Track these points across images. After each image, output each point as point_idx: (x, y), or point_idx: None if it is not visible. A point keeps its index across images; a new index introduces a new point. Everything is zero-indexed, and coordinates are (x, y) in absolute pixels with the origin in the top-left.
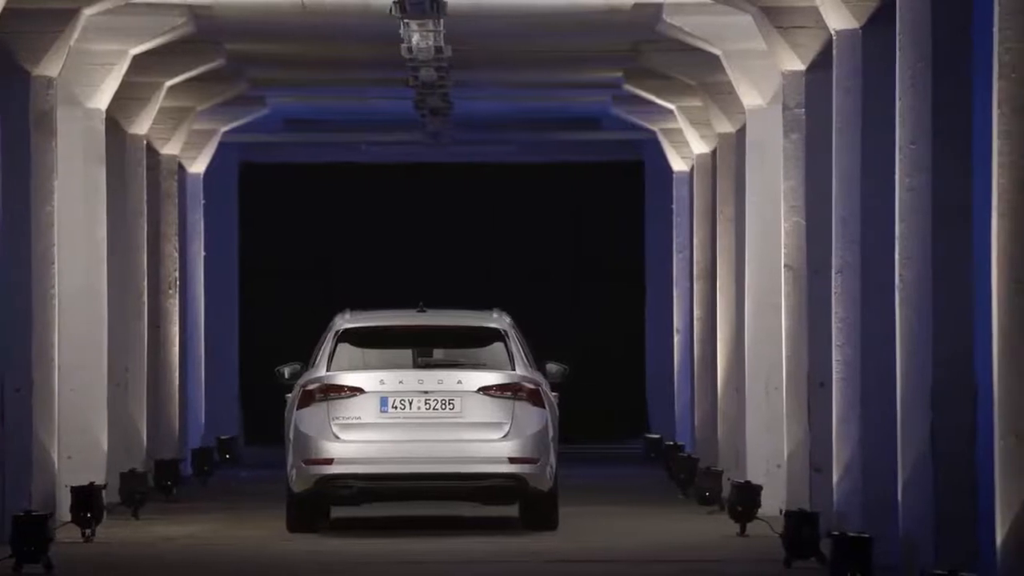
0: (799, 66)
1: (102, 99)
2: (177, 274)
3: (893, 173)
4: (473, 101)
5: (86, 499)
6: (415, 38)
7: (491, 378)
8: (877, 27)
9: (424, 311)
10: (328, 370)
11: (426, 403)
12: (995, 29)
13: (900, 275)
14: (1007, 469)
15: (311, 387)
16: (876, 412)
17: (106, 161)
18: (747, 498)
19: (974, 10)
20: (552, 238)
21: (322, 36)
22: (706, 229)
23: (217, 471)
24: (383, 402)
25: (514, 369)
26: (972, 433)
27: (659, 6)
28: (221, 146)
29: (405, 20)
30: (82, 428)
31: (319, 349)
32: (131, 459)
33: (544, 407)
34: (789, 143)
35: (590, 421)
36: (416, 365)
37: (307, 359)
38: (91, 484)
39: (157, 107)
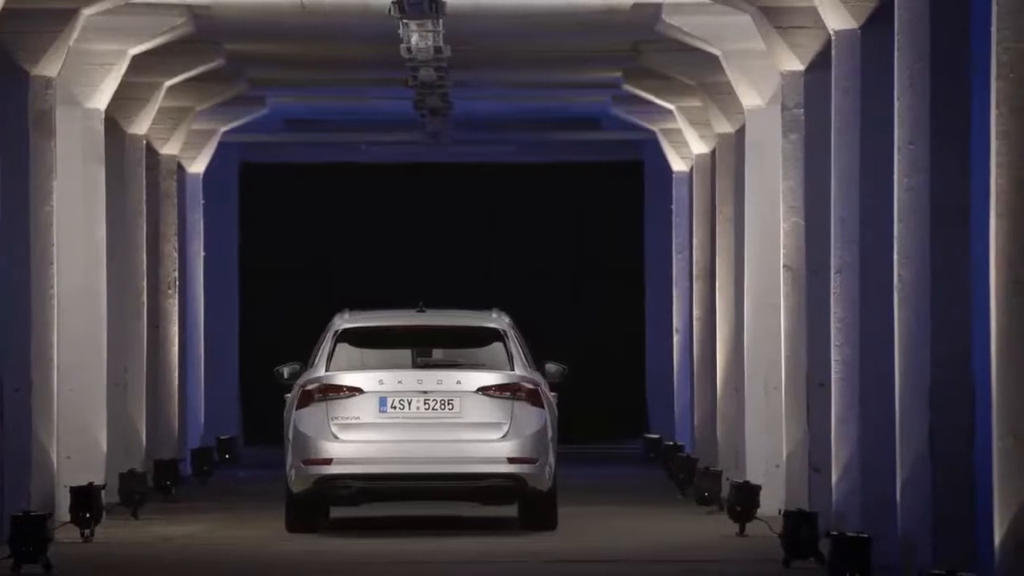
0: (798, 66)
1: (101, 99)
2: (177, 274)
3: (892, 173)
4: (472, 101)
5: (85, 499)
6: (414, 38)
7: (490, 378)
8: (876, 27)
9: (423, 311)
10: (327, 370)
11: (425, 403)
12: (993, 29)
13: (898, 275)
14: (1005, 469)
15: (310, 387)
16: (875, 412)
17: (105, 161)
18: (746, 498)
19: (972, 10)
20: (552, 238)
21: (321, 36)
22: (705, 229)
23: (216, 471)
24: (382, 402)
25: (513, 369)
26: (970, 433)
27: (658, 6)
28: (221, 146)
29: (404, 20)
30: (81, 428)
31: (318, 349)
32: (130, 459)
33: (543, 407)
34: (788, 143)
35: (590, 421)
36: (415, 365)
37: (306, 359)
38: (90, 484)
39: (156, 107)
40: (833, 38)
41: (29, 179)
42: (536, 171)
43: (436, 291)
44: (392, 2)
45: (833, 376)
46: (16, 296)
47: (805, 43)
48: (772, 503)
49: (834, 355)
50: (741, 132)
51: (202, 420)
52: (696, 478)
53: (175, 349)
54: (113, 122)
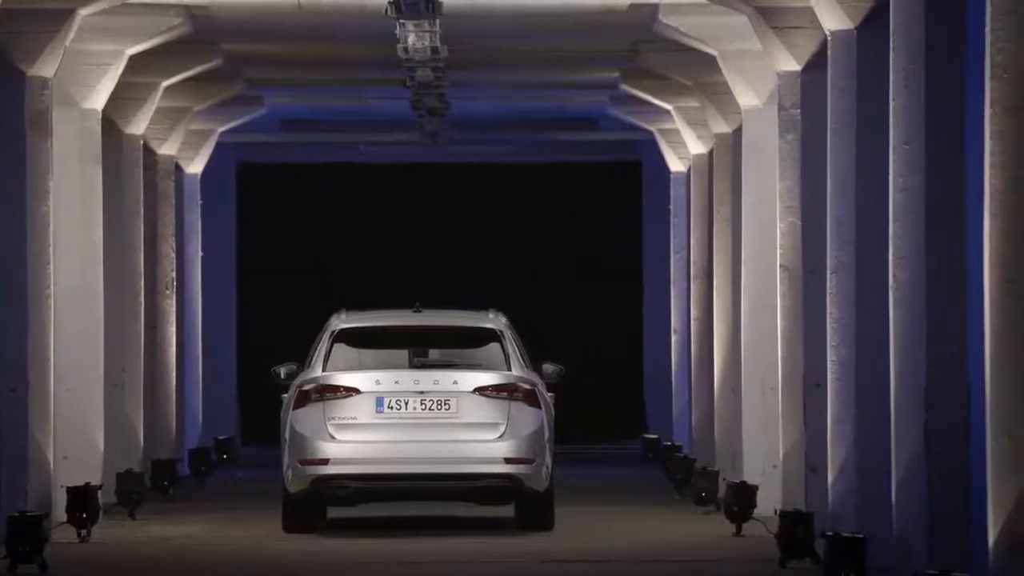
0: (794, 66)
1: (98, 99)
2: (174, 274)
3: (888, 173)
4: (470, 101)
5: (82, 499)
6: (411, 38)
7: (487, 378)
8: (871, 28)
9: (420, 311)
10: (324, 370)
11: (422, 403)
12: (987, 30)
13: (894, 275)
14: (1000, 469)
15: (307, 387)
16: (871, 412)
17: (102, 161)
18: (743, 498)
19: (967, 11)
20: (550, 238)
21: (319, 36)
22: (703, 229)
23: (214, 471)
24: (379, 402)
25: (510, 369)
26: (966, 434)
27: (655, 6)
28: (218, 146)
29: (401, 20)
30: (78, 428)
31: (315, 349)
32: (128, 459)
33: (540, 407)
34: (785, 143)
35: (588, 421)
36: (412, 365)
37: (303, 359)
38: (87, 484)
39: (154, 107)
40: (829, 38)
41: (26, 179)
42: (534, 171)
43: (434, 291)
44: (389, 2)
45: (829, 376)
46: (13, 296)
47: (801, 43)
48: (769, 503)
49: (830, 355)
50: (738, 132)
51: (200, 420)
52: (693, 478)
53: (173, 349)
54: (110, 122)
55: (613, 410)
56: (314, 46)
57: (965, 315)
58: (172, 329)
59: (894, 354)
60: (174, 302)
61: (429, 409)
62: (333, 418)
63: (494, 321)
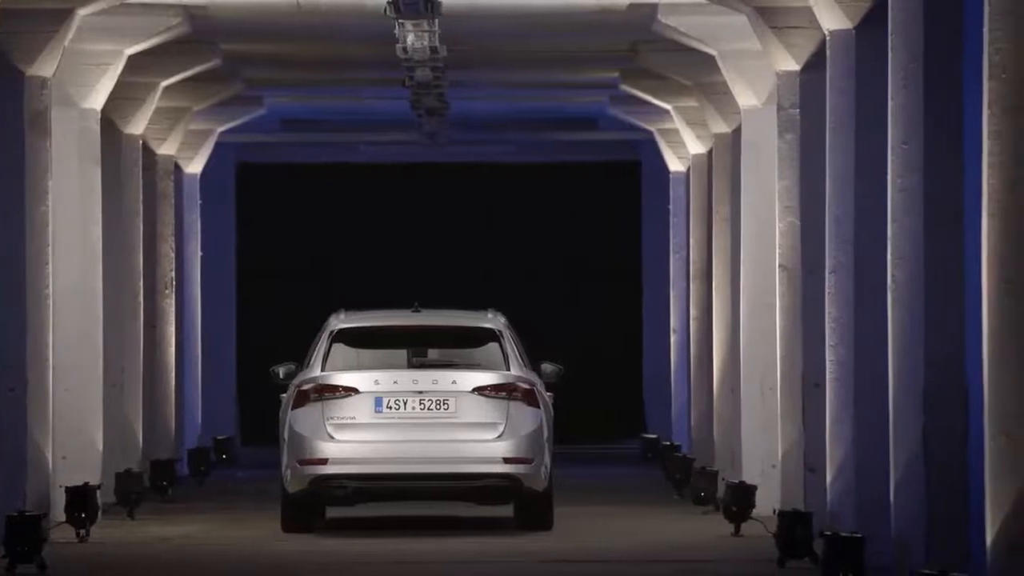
0: (793, 66)
1: (97, 99)
2: (173, 274)
3: (886, 173)
4: (469, 101)
5: (81, 499)
6: (410, 38)
7: (486, 378)
8: (870, 28)
9: (419, 311)
10: (323, 370)
11: (421, 403)
12: (985, 30)
13: (892, 275)
14: (998, 470)
15: (306, 387)
16: (869, 412)
17: (102, 161)
18: (741, 498)
19: (965, 11)
20: (549, 238)
21: (318, 36)
22: (702, 229)
23: (213, 471)
24: (378, 402)
25: (509, 369)
26: (964, 434)
27: (654, 6)
28: (218, 146)
29: (400, 20)
30: (77, 428)
31: (314, 349)
32: (127, 459)
33: (539, 407)
34: (784, 143)
35: (587, 421)
36: (411, 365)
37: (303, 359)
38: (86, 484)
39: (153, 107)
40: (828, 38)
41: (25, 179)
42: (533, 171)
43: (434, 291)
44: (388, 2)
45: (828, 376)
46: (12, 296)
47: (800, 43)
48: (767, 503)
49: (829, 355)
50: (737, 132)
51: (199, 420)
52: (692, 478)
53: (172, 349)
54: (109, 122)
55: (612, 410)
56: (313, 46)
57: (963, 315)
58: (171, 329)
59: (892, 354)
60: (173, 302)
61: (428, 409)
62: (332, 418)
63: (493, 321)
